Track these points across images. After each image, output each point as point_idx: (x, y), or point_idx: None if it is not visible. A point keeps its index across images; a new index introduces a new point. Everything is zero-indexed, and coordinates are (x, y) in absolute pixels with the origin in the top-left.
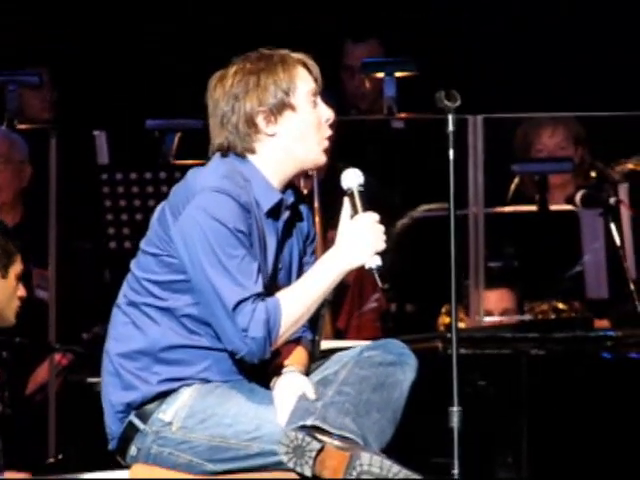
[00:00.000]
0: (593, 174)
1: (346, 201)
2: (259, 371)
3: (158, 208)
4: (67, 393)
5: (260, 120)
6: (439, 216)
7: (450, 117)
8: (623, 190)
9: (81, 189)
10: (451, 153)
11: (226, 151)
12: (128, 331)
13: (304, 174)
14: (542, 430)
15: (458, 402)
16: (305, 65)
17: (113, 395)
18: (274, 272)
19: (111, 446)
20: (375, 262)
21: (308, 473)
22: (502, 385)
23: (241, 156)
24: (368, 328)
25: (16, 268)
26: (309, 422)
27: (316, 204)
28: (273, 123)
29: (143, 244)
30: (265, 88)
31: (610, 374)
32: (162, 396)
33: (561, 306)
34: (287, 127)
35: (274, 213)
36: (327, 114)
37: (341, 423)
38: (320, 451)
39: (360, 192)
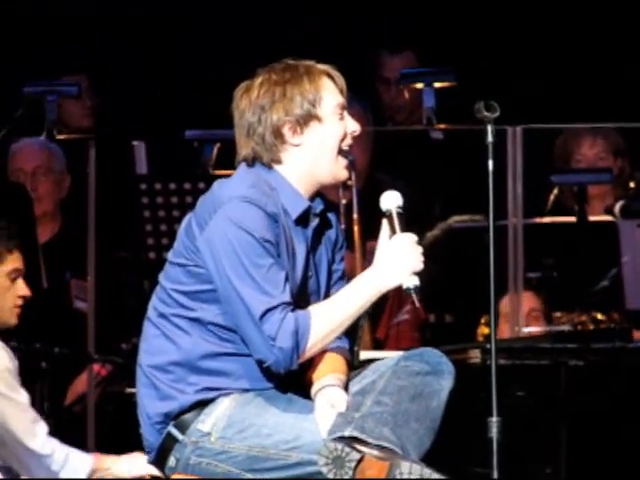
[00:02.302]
0: (632, 185)
1: (384, 223)
2: (297, 378)
3: (185, 219)
4: (106, 403)
5: (286, 130)
6: (473, 227)
7: (489, 128)
8: None
9: (120, 199)
10: (490, 164)
11: (252, 161)
12: (160, 343)
13: (343, 184)
14: (581, 441)
15: (497, 412)
16: (331, 77)
17: (149, 407)
18: (304, 280)
19: (149, 458)
20: (413, 282)
21: None
22: (541, 396)
23: (267, 166)
24: (407, 339)
25: (6, 267)
26: (347, 433)
27: (355, 215)
28: (299, 134)
29: (170, 255)
30: (291, 99)
31: None
32: (200, 406)
33: (600, 317)
34: (313, 138)
35: (303, 220)
36: (353, 126)
37: (379, 433)
38: (360, 461)
39: (398, 214)
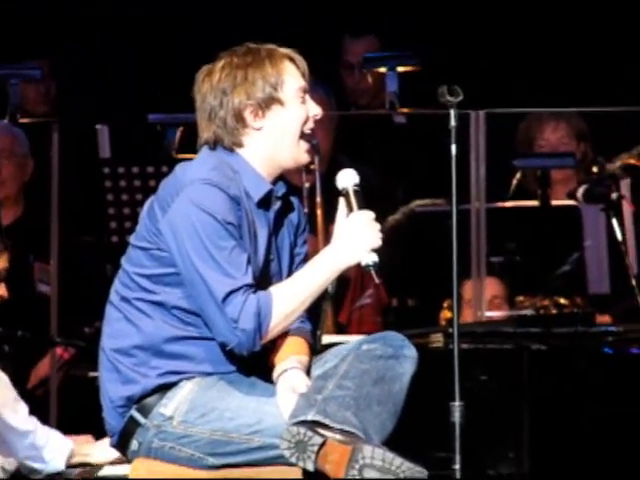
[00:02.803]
0: (595, 169)
1: (341, 201)
2: (260, 361)
3: (147, 202)
4: (69, 387)
5: (248, 114)
6: (436, 211)
7: (452, 112)
8: (625, 185)
9: (83, 183)
10: (453, 148)
11: (214, 145)
12: (122, 327)
13: (306, 168)
14: (543, 425)
15: (460, 397)
16: (292, 60)
17: (112, 391)
18: (265, 263)
19: (112, 442)
20: (371, 259)
21: (311, 467)
22: (504, 380)
23: (229, 149)
24: (369, 323)
25: None
26: (310, 417)
27: (318, 198)
28: (260, 117)
29: (133, 239)
30: (253, 82)
31: (611, 369)
32: (162, 389)
33: (563, 301)
34: (274, 121)
35: (265, 203)
36: (315, 110)
37: (342, 417)
38: (322, 445)
39: (355, 191)
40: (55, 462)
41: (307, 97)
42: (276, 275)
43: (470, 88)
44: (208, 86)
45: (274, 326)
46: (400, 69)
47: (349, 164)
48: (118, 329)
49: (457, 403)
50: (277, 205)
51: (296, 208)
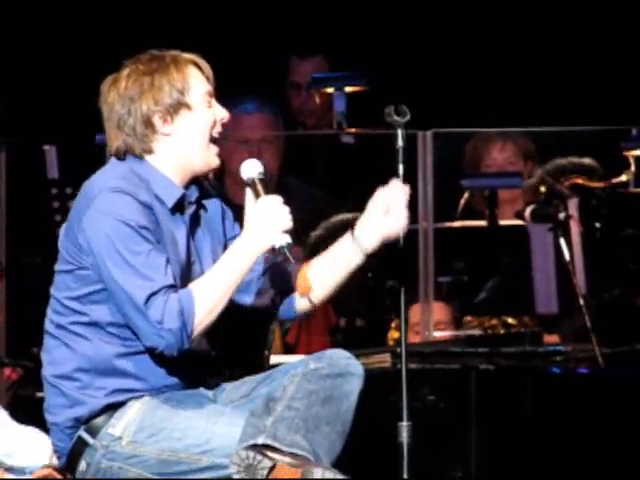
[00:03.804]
0: (543, 189)
1: (248, 192)
2: (207, 368)
3: (62, 228)
4: (17, 407)
5: (157, 120)
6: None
7: (399, 132)
8: (573, 205)
9: (31, 204)
10: (401, 168)
11: (124, 154)
12: (61, 353)
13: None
14: (491, 445)
15: (407, 417)
16: (197, 65)
17: (60, 416)
18: (187, 266)
19: (60, 463)
20: (285, 240)
21: None
22: (451, 400)
23: (139, 157)
24: (317, 343)
25: None
26: (260, 441)
27: None
28: (169, 123)
29: (57, 266)
30: (160, 88)
31: (559, 389)
32: (110, 409)
33: (511, 321)
34: (183, 126)
35: (178, 208)
36: (222, 113)
37: (291, 440)
38: (272, 469)
39: (261, 179)
40: (34, 459)
41: (214, 102)
42: (199, 277)
43: (417, 108)
44: (115, 95)
45: (199, 322)
46: (348, 89)
47: (297, 185)
48: (58, 356)
49: (405, 423)
50: (191, 209)
51: (213, 208)
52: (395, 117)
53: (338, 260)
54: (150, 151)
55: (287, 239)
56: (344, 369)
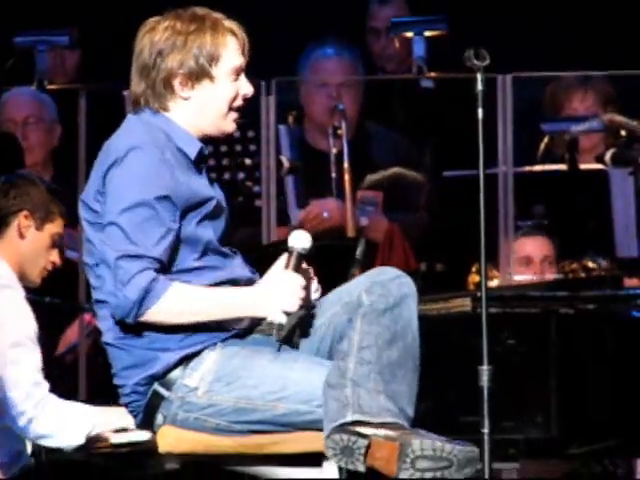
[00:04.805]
0: (623, 133)
1: (285, 255)
2: None
3: (80, 205)
4: (97, 353)
5: (176, 83)
6: (463, 175)
7: (479, 76)
8: None
9: None
10: (480, 112)
11: (143, 104)
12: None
13: (334, 134)
14: (571, 389)
15: (488, 361)
16: (235, 35)
17: (132, 378)
18: (218, 210)
19: (137, 421)
20: (279, 319)
21: (362, 469)
22: (531, 344)
23: (155, 111)
24: None
25: (53, 228)
26: (349, 418)
27: (346, 164)
28: (189, 88)
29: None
30: (189, 51)
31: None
32: (185, 360)
33: (591, 265)
34: (201, 95)
35: (201, 161)
36: (247, 89)
37: (377, 406)
38: (368, 447)
39: (299, 255)
40: (71, 440)
41: (242, 76)
42: (227, 223)
43: (497, 52)
44: (147, 42)
45: (156, 312)
46: (427, 34)
47: (377, 130)
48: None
49: (485, 367)
50: (206, 164)
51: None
52: (474, 61)
53: None
54: (166, 109)
55: (282, 319)
56: (398, 295)
